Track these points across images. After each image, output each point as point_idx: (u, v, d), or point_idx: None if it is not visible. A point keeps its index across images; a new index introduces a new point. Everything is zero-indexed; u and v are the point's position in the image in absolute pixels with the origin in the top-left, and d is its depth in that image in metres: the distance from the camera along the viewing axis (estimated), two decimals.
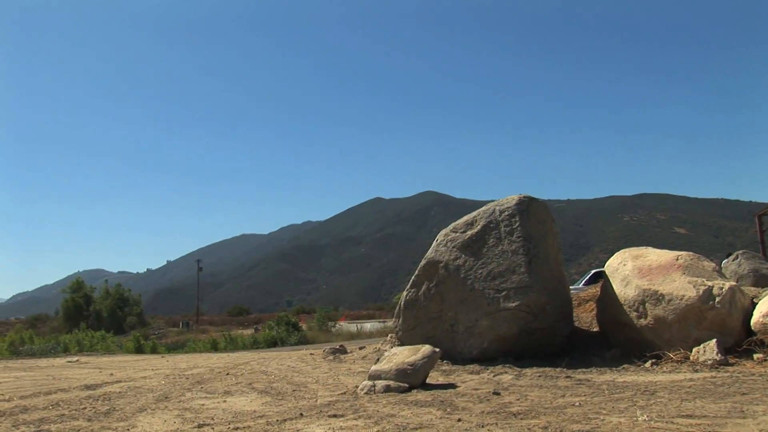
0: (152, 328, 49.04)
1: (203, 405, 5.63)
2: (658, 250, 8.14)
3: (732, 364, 6.37)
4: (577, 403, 4.67)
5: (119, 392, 7.02)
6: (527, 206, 8.56)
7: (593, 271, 21.18)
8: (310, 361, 10.79)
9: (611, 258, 8.62)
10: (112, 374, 10.03)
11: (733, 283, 7.23)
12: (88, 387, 7.82)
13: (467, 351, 8.10)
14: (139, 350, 22.96)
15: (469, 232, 8.61)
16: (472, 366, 7.58)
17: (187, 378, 8.63)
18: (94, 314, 49.49)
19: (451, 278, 8.43)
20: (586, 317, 9.91)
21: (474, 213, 8.96)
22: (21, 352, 22.26)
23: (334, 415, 4.65)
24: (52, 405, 5.99)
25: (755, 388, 4.96)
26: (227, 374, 8.92)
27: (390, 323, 14.48)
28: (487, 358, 7.85)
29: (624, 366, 7.00)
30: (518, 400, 5.02)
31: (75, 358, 16.93)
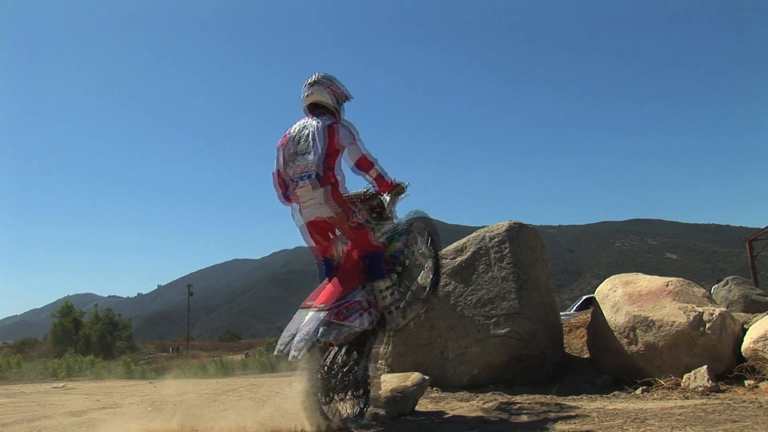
0: (142, 353, 48.61)
1: None
2: (648, 276, 8.14)
3: (723, 391, 6.33)
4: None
5: (104, 419, 6.91)
6: (517, 232, 8.57)
7: (584, 297, 21.28)
8: (300, 387, 10.65)
9: (601, 284, 8.60)
10: (98, 400, 9.87)
11: (724, 309, 7.22)
12: (72, 414, 7.68)
13: (457, 378, 8.03)
14: (127, 375, 22.67)
15: (459, 259, 8.60)
16: (461, 393, 7.51)
17: (175, 404, 8.50)
18: (83, 339, 48.99)
19: (440, 305, 8.39)
20: (576, 344, 9.87)
21: (464, 239, 8.95)
22: (8, 378, 21.95)
23: None
24: None
25: (746, 416, 4.93)
26: (215, 401, 8.80)
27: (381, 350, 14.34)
28: (477, 386, 7.78)
29: (614, 393, 6.95)
30: (507, 428, 4.97)
31: (61, 384, 16.67)
